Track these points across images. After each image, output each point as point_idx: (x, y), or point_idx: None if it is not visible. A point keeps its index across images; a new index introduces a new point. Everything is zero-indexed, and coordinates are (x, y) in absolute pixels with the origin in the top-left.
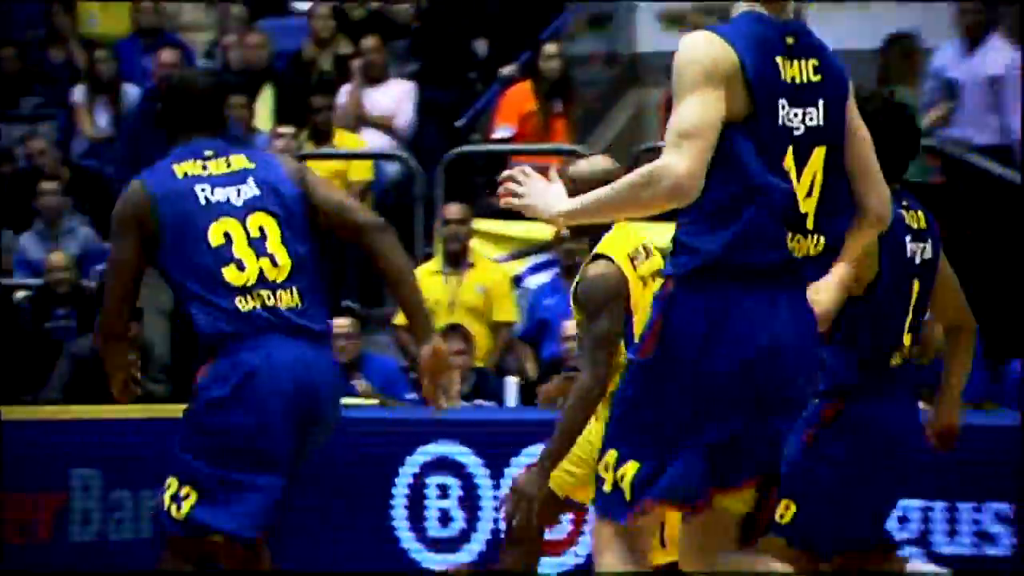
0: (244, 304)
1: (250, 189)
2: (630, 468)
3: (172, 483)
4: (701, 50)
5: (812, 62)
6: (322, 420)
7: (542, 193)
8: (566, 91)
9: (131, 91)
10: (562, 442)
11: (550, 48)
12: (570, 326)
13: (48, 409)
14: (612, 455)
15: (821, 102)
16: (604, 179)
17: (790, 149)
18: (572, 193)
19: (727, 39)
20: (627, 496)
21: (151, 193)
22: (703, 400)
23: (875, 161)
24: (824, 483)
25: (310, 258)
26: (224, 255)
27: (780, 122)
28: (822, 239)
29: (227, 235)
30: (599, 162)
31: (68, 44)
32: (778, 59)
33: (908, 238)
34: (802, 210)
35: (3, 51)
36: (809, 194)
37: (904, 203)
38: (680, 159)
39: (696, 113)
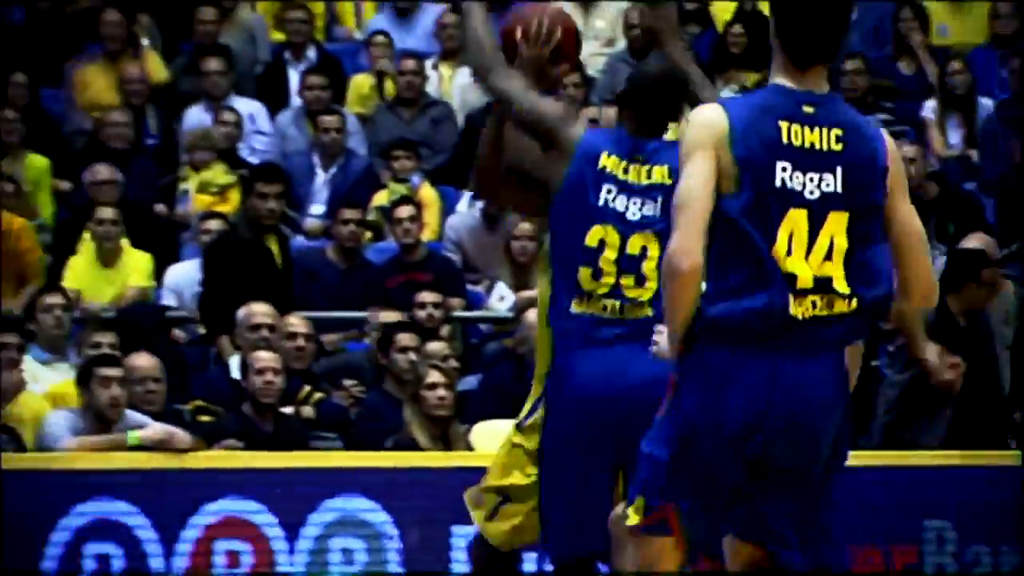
0: None
1: None
2: (639, 500)
3: None
4: (698, 118)
5: (835, 132)
6: None
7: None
8: None
9: (986, 104)
10: None
11: None
12: None
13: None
14: (640, 503)
15: (840, 170)
16: None
17: (799, 211)
18: None
19: (725, 106)
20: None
21: None
22: (698, 457)
23: (919, 243)
24: None
25: None
26: None
27: (778, 183)
28: (854, 301)
29: None
30: None
31: (918, 56)
32: (783, 123)
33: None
34: (818, 273)
35: (849, 64)
36: (828, 257)
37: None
38: (673, 239)
39: (687, 184)
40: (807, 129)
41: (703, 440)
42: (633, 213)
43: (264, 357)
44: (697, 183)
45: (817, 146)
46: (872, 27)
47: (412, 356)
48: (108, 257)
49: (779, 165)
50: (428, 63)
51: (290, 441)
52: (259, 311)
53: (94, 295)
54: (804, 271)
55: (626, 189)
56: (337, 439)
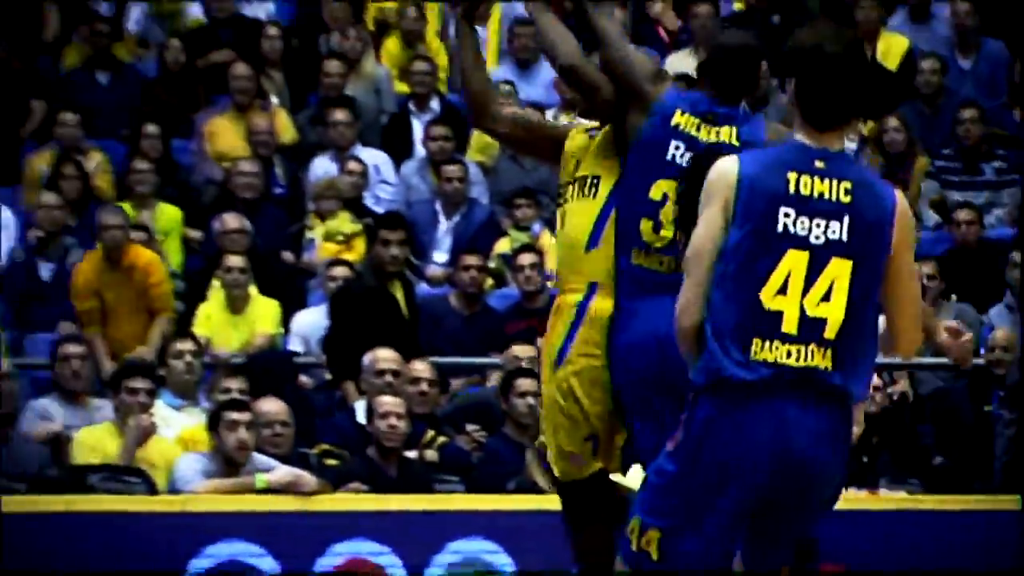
0: None
1: None
2: (654, 535)
3: None
4: (716, 168)
5: (845, 184)
6: None
7: None
8: None
9: None
10: None
11: None
12: None
13: None
14: (636, 521)
15: (847, 219)
16: None
17: (798, 255)
18: None
19: (740, 158)
20: (654, 556)
21: None
22: (701, 494)
23: (913, 304)
24: None
25: None
26: None
27: (779, 228)
28: (842, 355)
29: None
30: None
31: None
32: (791, 174)
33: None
34: (813, 314)
35: (965, 113)
36: (827, 298)
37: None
38: (680, 294)
39: (698, 239)
40: (817, 180)
41: (709, 477)
42: None
43: (389, 402)
44: (705, 241)
45: (826, 196)
46: (988, 77)
47: (531, 401)
48: (237, 304)
49: (782, 211)
50: (548, 114)
51: (414, 484)
52: (384, 357)
53: (223, 341)
54: (792, 311)
55: (694, 147)
56: (460, 482)
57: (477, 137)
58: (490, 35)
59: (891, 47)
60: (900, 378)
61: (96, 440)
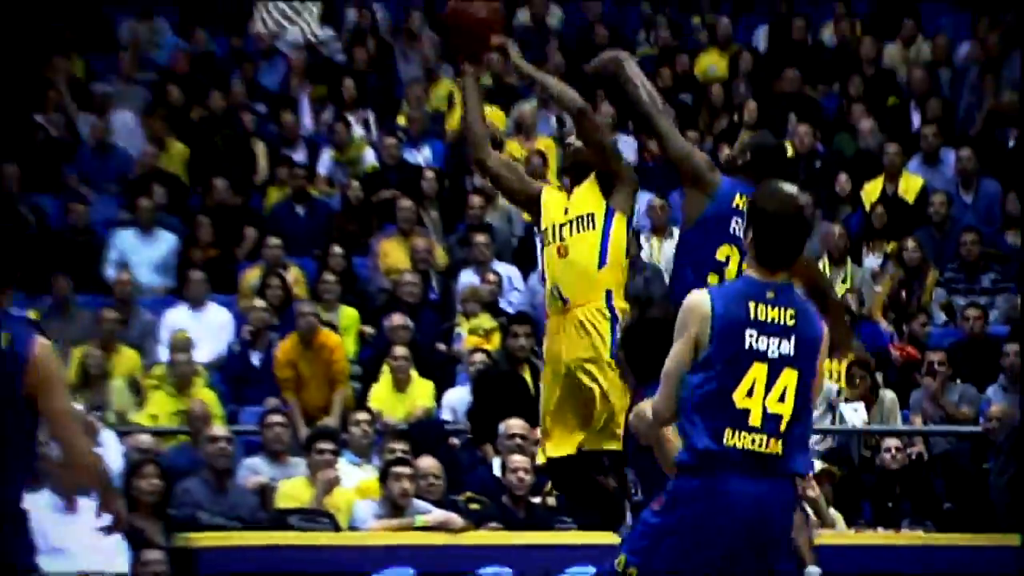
0: None
1: None
2: (633, 571)
3: None
4: (689, 302)
5: (790, 311)
6: None
7: None
8: None
9: None
10: None
11: None
12: None
13: None
14: (622, 559)
15: (794, 338)
16: None
17: (760, 367)
18: None
19: (711, 292)
20: None
21: None
22: (679, 548)
23: (820, 390)
24: None
25: None
26: None
27: (747, 346)
28: (792, 444)
29: None
30: None
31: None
32: (751, 304)
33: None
34: (773, 411)
35: (967, 237)
36: (782, 400)
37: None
38: (656, 400)
39: (674, 361)
40: (770, 308)
41: (686, 535)
42: None
43: (518, 460)
44: (678, 364)
45: (777, 320)
46: (985, 209)
47: None
48: (401, 384)
49: (747, 332)
50: (642, 236)
51: (538, 524)
52: (515, 424)
53: (391, 413)
54: (757, 409)
55: None
56: (573, 522)
57: None
58: None
59: (910, 185)
60: (917, 442)
61: (294, 490)
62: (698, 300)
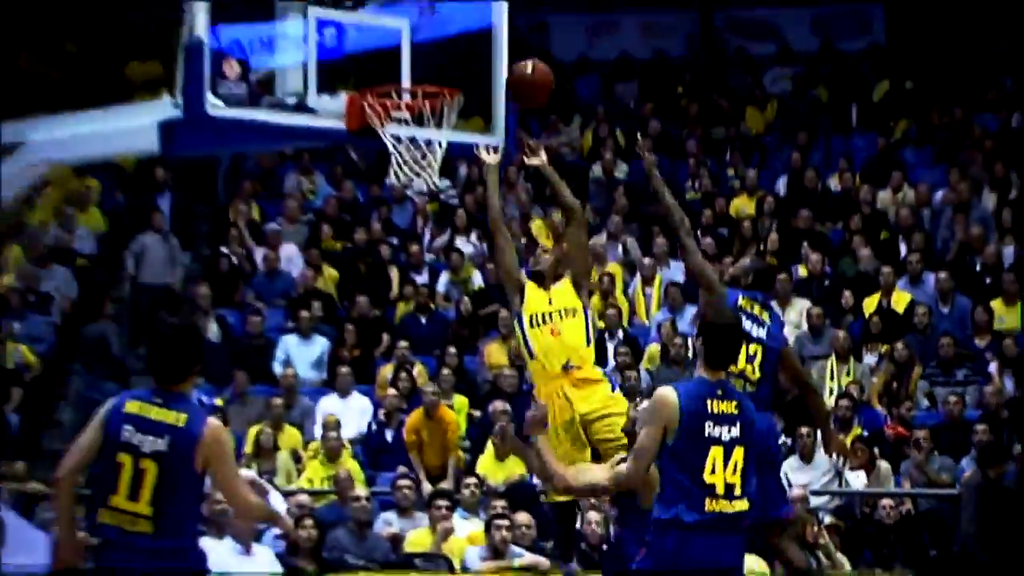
0: None
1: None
2: None
3: None
4: (660, 397)
5: (734, 403)
6: None
7: None
8: None
9: None
10: None
11: None
12: None
13: None
14: None
15: (739, 424)
16: None
17: (717, 449)
18: None
19: (677, 389)
20: None
21: None
22: None
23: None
24: None
25: None
26: None
27: (706, 434)
28: (746, 501)
29: None
30: None
31: (988, 333)
32: (708, 400)
33: (710, 422)
34: (730, 481)
35: (944, 340)
36: (734, 473)
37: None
38: (630, 469)
39: (643, 445)
40: (721, 403)
41: None
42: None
43: (593, 516)
44: (651, 444)
45: (727, 411)
46: (958, 319)
47: None
48: (501, 456)
49: (707, 424)
50: (689, 337)
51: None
52: None
53: (493, 478)
54: (720, 482)
55: (749, 318)
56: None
57: (649, 353)
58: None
59: (899, 300)
60: (906, 502)
61: (418, 538)
62: (670, 397)
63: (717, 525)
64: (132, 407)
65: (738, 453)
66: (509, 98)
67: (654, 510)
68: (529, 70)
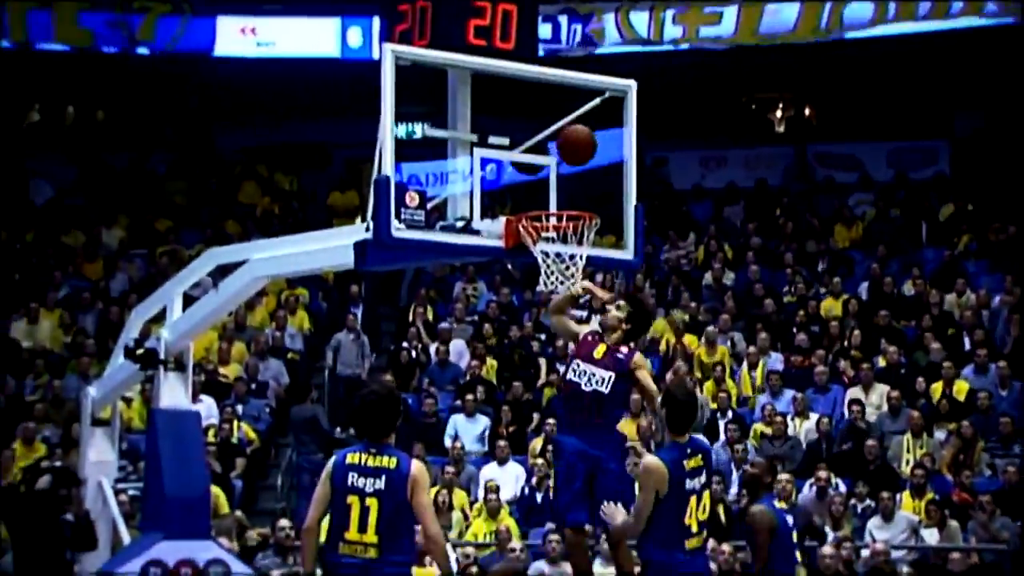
0: None
1: None
2: None
3: None
4: (651, 464)
5: (700, 455)
6: None
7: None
8: None
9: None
10: None
11: None
12: None
13: None
14: None
15: (704, 473)
16: None
17: (694, 497)
18: None
19: (661, 457)
20: None
21: None
22: None
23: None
24: None
25: None
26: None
27: (687, 487)
28: (708, 530)
29: None
30: None
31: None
32: (684, 460)
33: (687, 478)
34: (701, 518)
35: (1003, 419)
36: (704, 511)
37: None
38: (635, 526)
39: (641, 503)
40: (691, 459)
41: None
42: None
43: None
44: (647, 505)
45: (696, 466)
46: (1015, 401)
47: None
48: None
49: (686, 480)
50: (788, 416)
51: None
52: None
53: None
54: (695, 522)
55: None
56: None
57: (756, 428)
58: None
59: (961, 388)
60: (973, 556)
61: None
62: (659, 465)
63: (696, 555)
64: (352, 459)
65: (707, 496)
66: (560, 156)
67: (647, 552)
68: (571, 131)
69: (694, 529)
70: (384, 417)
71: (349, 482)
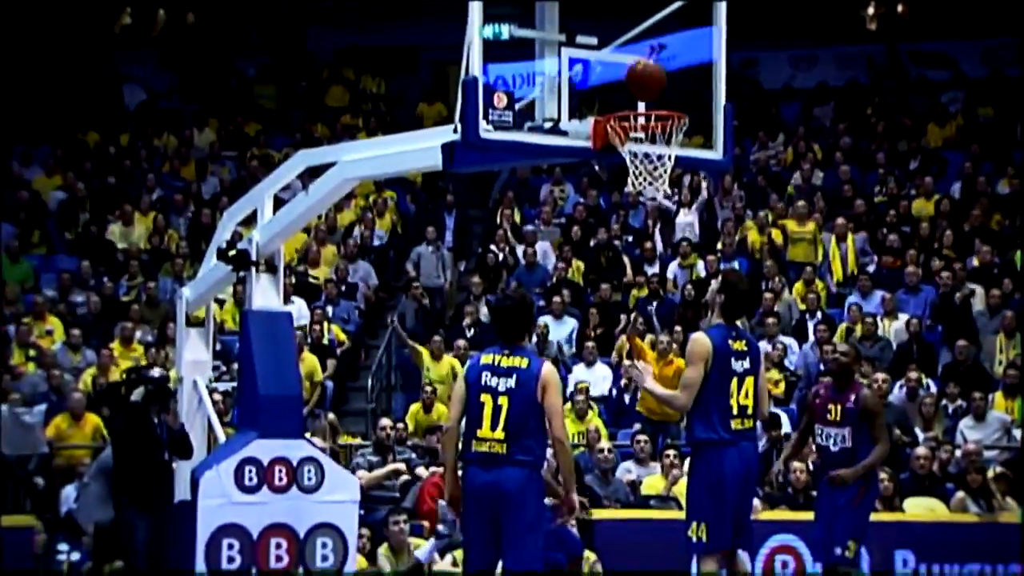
0: None
1: None
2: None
3: None
4: (699, 340)
5: (744, 342)
6: None
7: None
8: None
9: None
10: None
11: None
12: None
13: None
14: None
15: (749, 359)
16: None
17: (736, 379)
18: None
19: (709, 334)
20: (704, 539)
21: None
22: (715, 494)
23: (764, 389)
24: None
25: None
26: None
27: (731, 367)
28: (754, 420)
29: None
30: None
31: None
32: (729, 340)
33: (733, 358)
34: (743, 403)
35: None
36: (746, 396)
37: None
38: (683, 397)
39: (691, 376)
40: (736, 342)
41: (715, 485)
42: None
43: (797, 464)
44: (694, 379)
45: (740, 349)
46: None
47: None
48: None
49: (732, 359)
50: (878, 316)
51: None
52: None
53: None
54: (736, 406)
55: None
56: None
57: (841, 329)
58: None
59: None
60: None
61: (652, 482)
62: (705, 339)
63: (740, 437)
64: (487, 359)
65: (750, 382)
66: (630, 93)
67: (694, 433)
68: (641, 67)
69: (737, 412)
70: (518, 321)
71: (483, 381)
